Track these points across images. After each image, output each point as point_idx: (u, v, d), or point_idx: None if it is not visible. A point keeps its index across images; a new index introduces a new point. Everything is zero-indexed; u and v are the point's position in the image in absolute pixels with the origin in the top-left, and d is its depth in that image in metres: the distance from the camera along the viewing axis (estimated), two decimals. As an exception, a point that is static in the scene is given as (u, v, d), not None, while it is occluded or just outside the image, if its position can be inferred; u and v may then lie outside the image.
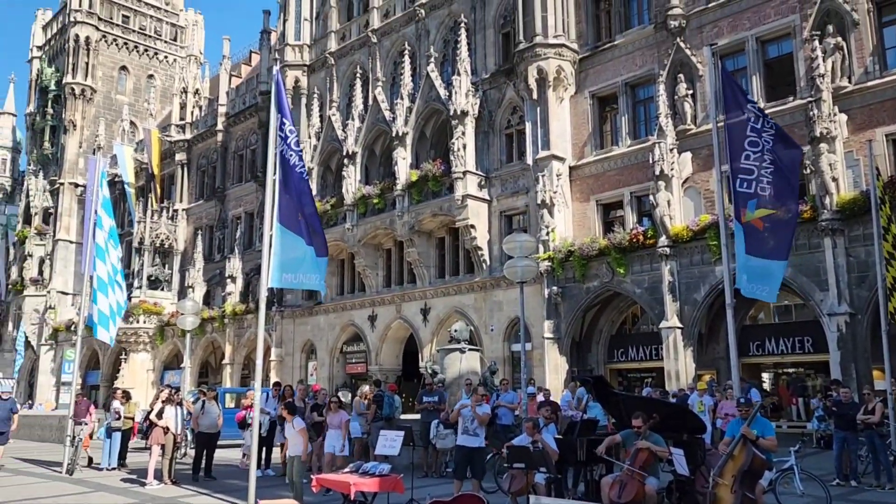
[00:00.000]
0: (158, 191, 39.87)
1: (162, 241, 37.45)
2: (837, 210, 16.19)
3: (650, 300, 19.75)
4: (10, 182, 59.49)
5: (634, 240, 19.81)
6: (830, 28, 17.62)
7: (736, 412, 9.26)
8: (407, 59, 26.91)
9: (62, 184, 44.80)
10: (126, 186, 40.75)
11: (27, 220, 46.03)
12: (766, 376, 20.33)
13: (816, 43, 17.41)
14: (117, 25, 48.32)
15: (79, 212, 43.95)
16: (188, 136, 39.47)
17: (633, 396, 13.97)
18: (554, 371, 21.08)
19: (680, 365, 18.73)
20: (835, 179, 16.30)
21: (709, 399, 14.80)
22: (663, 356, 19.18)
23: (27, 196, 46.43)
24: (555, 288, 21.33)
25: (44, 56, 50.63)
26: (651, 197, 19.66)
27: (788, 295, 17.93)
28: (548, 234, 21.54)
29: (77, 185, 44.35)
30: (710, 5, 20.27)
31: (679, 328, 18.83)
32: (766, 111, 18.39)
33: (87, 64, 45.96)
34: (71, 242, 43.99)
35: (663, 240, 19.11)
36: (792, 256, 16.23)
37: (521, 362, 14.29)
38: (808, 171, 16.69)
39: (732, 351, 10.09)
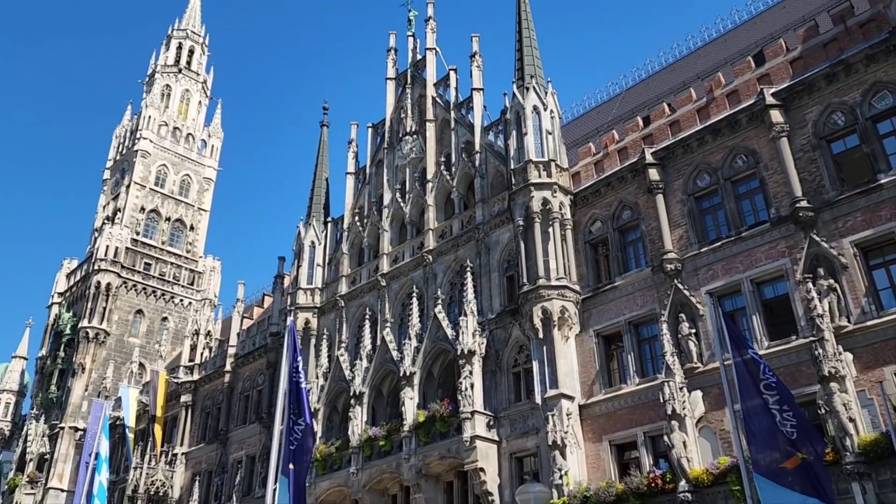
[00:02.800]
0: (159, 434, 39.01)
1: (157, 488, 35.87)
2: (860, 452, 15.62)
3: (676, 552, 18.31)
4: (10, 426, 58.45)
5: (653, 484, 18.91)
6: (821, 271, 18.43)
7: None
8: (415, 300, 27.89)
9: (62, 428, 44.06)
10: (126, 430, 39.96)
11: (21, 467, 44.47)
12: None
13: (810, 285, 18.10)
14: (138, 272, 50.86)
15: (75, 457, 42.68)
16: (195, 377, 39.57)
17: None
18: None
19: None
20: (852, 420, 15.94)
21: None
22: None
23: (24, 441, 45.35)
24: (572, 539, 19.93)
25: (63, 302, 52.59)
26: (665, 437, 19.13)
27: (825, 545, 16.64)
28: (561, 477, 20.64)
29: (77, 430, 43.58)
30: (702, 250, 21.41)
31: (711, 585, 17.25)
32: (770, 350, 18.80)
33: (104, 308, 47.63)
34: (62, 491, 42.13)
35: (683, 484, 18.24)
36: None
37: None
38: (823, 411, 16.44)
39: None
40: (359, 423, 26.95)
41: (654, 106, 26.26)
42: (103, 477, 15.80)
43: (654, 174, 23.07)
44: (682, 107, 23.89)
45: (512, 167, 25.95)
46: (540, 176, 24.97)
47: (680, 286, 21.24)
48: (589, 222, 24.93)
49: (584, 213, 25.09)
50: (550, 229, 24.21)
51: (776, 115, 20.69)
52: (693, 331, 20.50)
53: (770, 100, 20.84)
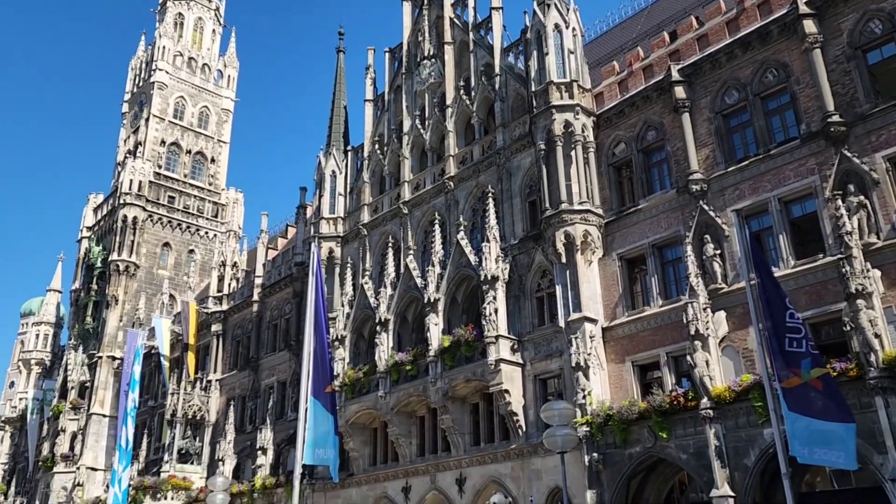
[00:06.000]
0: (193, 362, 40.22)
1: (194, 412, 37.24)
2: (885, 367, 15.62)
3: (697, 466, 18.74)
4: (51, 357, 60.70)
5: (675, 402, 19.17)
6: (851, 187, 18.01)
7: None
8: (437, 227, 27.90)
9: (100, 357, 45.55)
10: (161, 359, 41.25)
11: (63, 394, 46.35)
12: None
13: (840, 202, 17.74)
14: (163, 205, 51.31)
15: (114, 385, 44.32)
16: (224, 307, 40.41)
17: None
18: (601, 547, 19.68)
19: (737, 538, 17.39)
20: (877, 336, 15.88)
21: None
22: (718, 528, 17.85)
23: (65, 370, 47.09)
24: (595, 455, 20.46)
25: (92, 236, 53.45)
26: (688, 357, 19.27)
27: (846, 458, 16.87)
28: (584, 397, 21.02)
29: (114, 359, 45.07)
30: (729, 169, 20.98)
31: (731, 497, 17.67)
32: (797, 269, 18.64)
33: (132, 242, 48.37)
34: (104, 416, 43.92)
35: (705, 402, 18.47)
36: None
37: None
38: (849, 327, 16.38)
39: (795, 526, 9.39)
40: (385, 349, 27.48)
41: (682, 20, 25.24)
42: (135, 396, 16.45)
43: (680, 92, 22.43)
44: (710, 19, 22.97)
45: (533, 89, 25.37)
46: (562, 98, 24.42)
47: (705, 207, 20.93)
48: (612, 144, 24.46)
49: (608, 134, 24.59)
50: (573, 152, 23.83)
51: (809, 25, 19.82)
52: (718, 252, 20.34)
53: (804, 9, 19.93)
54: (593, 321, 22.24)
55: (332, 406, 11.25)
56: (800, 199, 19.58)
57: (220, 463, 34.20)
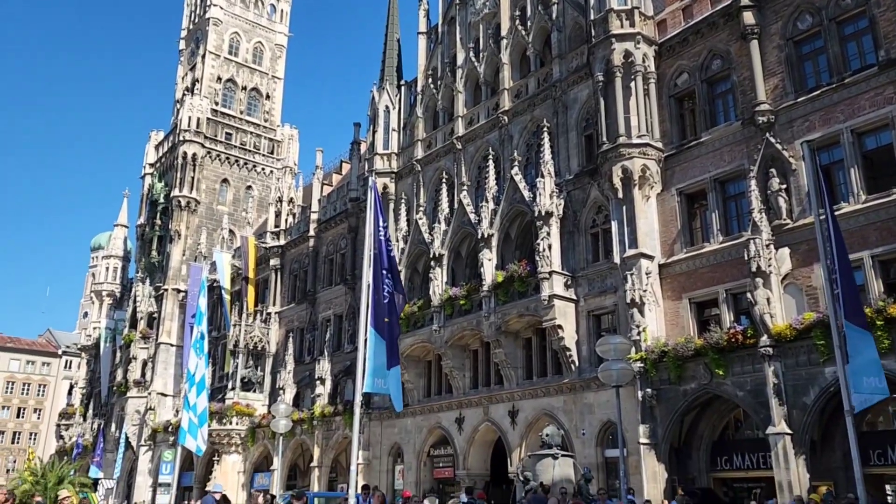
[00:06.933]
0: (253, 295, 41.47)
1: (255, 343, 38.66)
2: (959, 306, 15.05)
3: (754, 403, 18.58)
4: (120, 289, 63.40)
5: (733, 339, 18.89)
6: (932, 117, 17.04)
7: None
8: (491, 163, 27.62)
9: (166, 290, 47.37)
10: (223, 292, 42.61)
11: (133, 324, 48.62)
12: (889, 489, 18.47)
13: (918, 133, 16.80)
14: (220, 142, 52.11)
15: (180, 316, 46.15)
16: (282, 242, 41.29)
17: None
18: (652, 479, 19.87)
19: (792, 475, 17.31)
20: (953, 273, 15.27)
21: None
22: (772, 465, 17.81)
23: (134, 302, 49.24)
24: (649, 390, 20.46)
25: (155, 172, 54.85)
26: (748, 295, 18.87)
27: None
28: (639, 333, 20.91)
29: (179, 291, 46.81)
30: (799, 100, 20.00)
31: (788, 434, 17.54)
32: (868, 203, 17.88)
33: (192, 178, 49.50)
34: (171, 345, 45.98)
35: (765, 339, 18.16)
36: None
37: (619, 470, 13.60)
38: (921, 264, 15.75)
39: (856, 462, 9.27)
40: (439, 284, 27.75)
41: (752, -60, 23.74)
42: (203, 328, 17.09)
43: (749, 18, 21.29)
44: (784, -61, 21.54)
45: (591, 18, 24.46)
46: (622, 26, 23.50)
47: (772, 139, 20.09)
48: (674, 75, 23.54)
49: (670, 64, 23.65)
50: (632, 84, 23.06)
51: (894, -57, 18.42)
52: (784, 186, 19.61)
53: (888, -76, 18.48)
54: (650, 258, 21.92)
55: (391, 337, 11.40)
56: (875, 131, 18.60)
57: (281, 391, 35.57)
